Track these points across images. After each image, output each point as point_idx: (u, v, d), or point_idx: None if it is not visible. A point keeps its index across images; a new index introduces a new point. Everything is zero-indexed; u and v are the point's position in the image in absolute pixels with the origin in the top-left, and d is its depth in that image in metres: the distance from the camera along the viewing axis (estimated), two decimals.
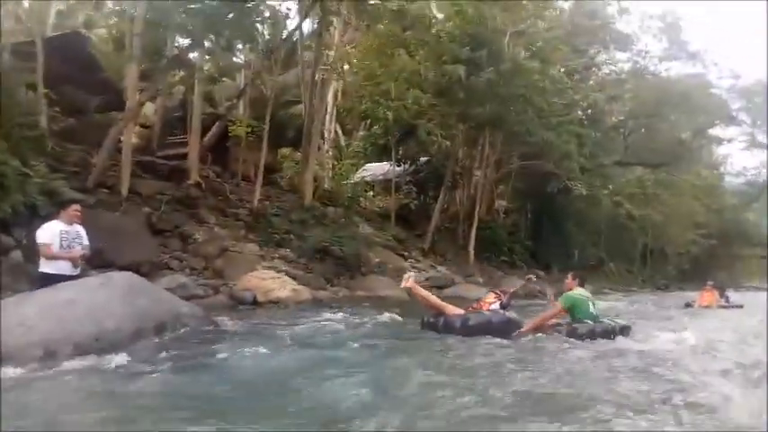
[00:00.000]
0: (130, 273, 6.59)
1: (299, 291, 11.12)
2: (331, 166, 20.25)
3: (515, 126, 20.18)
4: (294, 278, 12.02)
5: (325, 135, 20.30)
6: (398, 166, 21.70)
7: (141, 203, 12.28)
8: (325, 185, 18.58)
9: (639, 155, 31.18)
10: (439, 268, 18.41)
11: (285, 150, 19.20)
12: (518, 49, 19.90)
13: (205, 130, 15.38)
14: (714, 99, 31.85)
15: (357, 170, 21.07)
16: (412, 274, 7.39)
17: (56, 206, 6.50)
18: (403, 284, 7.12)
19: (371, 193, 22.13)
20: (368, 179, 22.22)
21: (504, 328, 6.56)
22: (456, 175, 22.08)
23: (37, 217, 7.21)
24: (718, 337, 7.08)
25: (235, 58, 19.97)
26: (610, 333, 6.52)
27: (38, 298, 5.38)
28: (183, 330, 6.46)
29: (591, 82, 27.75)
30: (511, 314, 7.02)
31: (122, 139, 12.46)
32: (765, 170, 39.26)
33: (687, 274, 37.31)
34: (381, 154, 22.02)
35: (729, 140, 36.30)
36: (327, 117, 20.20)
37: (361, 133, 21.88)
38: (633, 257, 33.74)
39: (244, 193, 15.42)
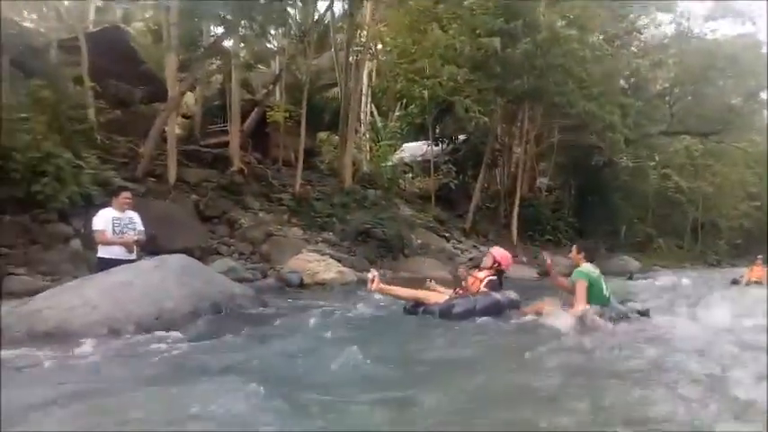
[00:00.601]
0: (183, 255, 6.71)
1: (344, 272, 11.15)
2: (368, 148, 20.16)
3: (555, 98, 19.61)
4: (338, 261, 12.11)
5: (362, 117, 20.20)
6: (436, 145, 21.46)
7: (188, 191, 12.51)
8: (364, 168, 18.53)
9: (687, 123, 29.85)
10: (481, 248, 18.18)
11: (323, 134, 19.22)
12: (554, 17, 19.26)
13: (244, 117, 15.52)
14: (765, 60, 30.14)
15: (395, 151, 20.92)
16: (375, 273, 6.26)
17: (109, 195, 6.68)
18: (369, 287, 6.24)
19: (410, 174, 21.96)
20: (406, 160, 22.06)
21: (493, 312, 5.70)
22: (495, 152, 21.69)
23: (92, 206, 7.39)
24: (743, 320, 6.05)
25: (269, 45, 20.08)
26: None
27: (97, 281, 5.55)
28: (237, 310, 6.64)
29: (633, 48, 26.68)
30: (505, 294, 5.97)
31: (166, 129, 12.69)
32: None
33: (740, 248, 35.84)
34: (418, 134, 21.81)
35: None
36: (363, 99, 20.08)
37: (397, 113, 21.66)
38: (683, 232, 32.57)
39: (285, 178, 15.54)
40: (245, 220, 12.46)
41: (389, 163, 19.74)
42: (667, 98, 30.03)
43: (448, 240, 17.73)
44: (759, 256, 13.88)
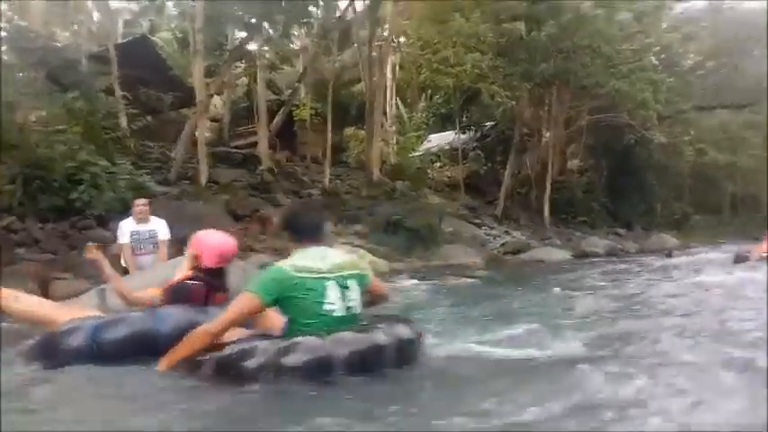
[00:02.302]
0: None
1: (377, 263, 11.26)
2: (395, 140, 20.23)
3: (584, 79, 19.27)
4: (371, 252, 12.24)
5: (387, 110, 20.27)
6: (463, 133, 21.35)
7: (219, 191, 12.82)
8: (392, 160, 18.61)
9: (721, 97, 28.87)
10: (513, 234, 18.08)
11: (349, 130, 19.36)
12: None
13: (271, 116, 15.80)
14: None
15: (421, 142, 20.93)
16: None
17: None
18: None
19: (438, 163, 21.94)
20: (433, 150, 22.04)
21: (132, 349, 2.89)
22: (524, 137, 21.44)
23: (128, 211, 7.67)
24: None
25: (292, 45, 20.34)
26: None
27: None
28: None
29: (663, 24, 25.93)
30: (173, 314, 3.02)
31: (196, 132, 13.02)
32: None
33: None
34: (445, 123, 21.75)
35: None
36: (387, 92, 20.14)
37: (422, 104, 21.66)
38: (722, 208, 31.58)
39: (314, 174, 15.77)
40: (276, 217, 12.68)
41: (416, 153, 19.77)
42: (700, 72, 29.13)
43: (479, 227, 17.67)
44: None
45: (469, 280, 10.49)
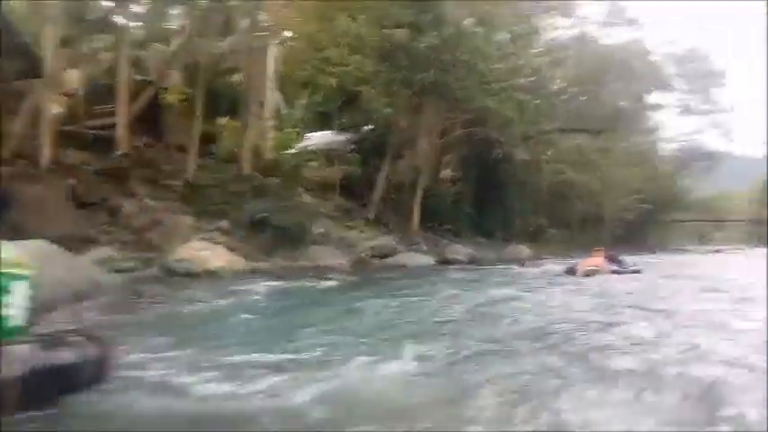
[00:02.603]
0: (42, 241, 6.32)
1: (236, 261, 10.95)
2: (272, 135, 19.73)
3: (458, 92, 20.21)
4: (232, 250, 11.82)
5: (265, 104, 19.72)
6: (342, 134, 21.39)
7: (65, 175, 11.64)
8: (266, 155, 18.13)
9: (581, 121, 31.95)
10: (383, 238, 18.47)
11: (223, 120, 18.52)
12: (462, 12, 19.79)
13: (135, 98, 14.65)
14: (651, 66, 32.89)
15: (299, 139, 20.62)
16: None
17: None
18: None
19: (315, 163, 21.77)
20: (310, 149, 21.80)
21: None
22: (401, 143, 22.01)
23: None
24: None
25: (168, 24, 19.05)
26: None
27: None
28: (103, 299, 6.46)
29: (536, 50, 28.01)
30: None
31: (43, 106, 11.73)
32: (697, 136, 41.07)
33: (622, 238, 38.91)
34: (324, 122, 21.63)
35: (665, 107, 37.68)
36: (267, 85, 19.59)
37: (302, 101, 21.37)
38: (572, 224, 34.87)
39: (178, 163, 14.87)
40: (129, 206, 11.81)
41: (293, 151, 19.44)
42: (564, 97, 31.93)
43: (350, 230, 17.82)
44: (596, 248, 13.04)
45: (329, 283, 10.55)
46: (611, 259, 11.94)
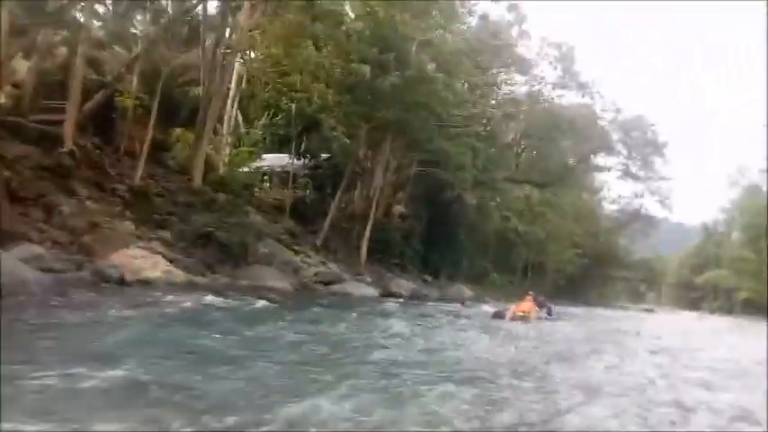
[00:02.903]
0: None
1: (173, 272, 10.62)
2: (228, 152, 19.55)
3: (416, 132, 20.72)
4: (171, 261, 11.47)
5: (225, 120, 19.59)
6: (298, 159, 21.44)
7: (1, 167, 11.08)
8: (220, 171, 17.90)
9: (529, 174, 33.24)
10: (330, 265, 18.37)
11: (178, 130, 18.25)
12: (425, 57, 20.50)
13: (88, 97, 14.24)
14: (598, 129, 34.69)
15: (254, 159, 20.52)
16: None
17: None
18: None
19: (268, 184, 21.66)
20: (265, 169, 21.73)
21: None
22: (356, 174, 22.22)
23: None
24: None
25: (133, 30, 18.82)
26: None
27: None
28: (24, 298, 6.17)
29: (492, 101, 29.19)
30: None
31: None
32: (636, 199, 43.28)
33: (563, 289, 40.21)
34: (282, 146, 21.65)
35: (609, 169, 39.60)
36: (228, 102, 19.52)
37: (262, 122, 21.36)
38: (515, 270, 35.79)
39: (126, 168, 14.45)
40: (67, 206, 11.33)
41: (246, 169, 19.30)
42: (515, 149, 33.25)
43: (297, 254, 17.63)
44: (530, 292, 13.48)
45: (263, 302, 10.22)
46: (540, 305, 12.30)
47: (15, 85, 14.63)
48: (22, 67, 14.78)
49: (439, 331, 8.46)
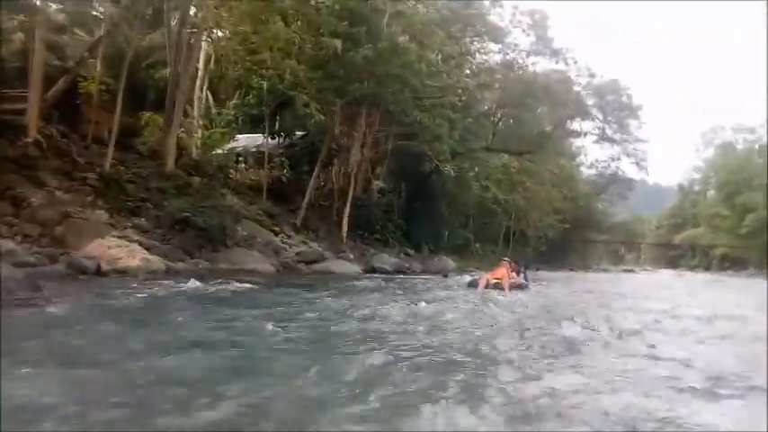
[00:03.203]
0: None
1: (151, 260, 10.45)
2: (200, 134, 19.17)
3: (391, 105, 20.50)
4: (148, 249, 11.28)
5: (195, 101, 19.16)
6: (273, 138, 21.11)
7: None
8: (193, 154, 17.57)
9: (506, 142, 33.26)
10: (311, 244, 18.28)
11: (147, 114, 17.83)
12: (396, 29, 20.17)
13: (50, 84, 13.79)
14: (573, 95, 34.73)
15: (228, 140, 20.15)
16: None
17: None
18: None
19: (243, 165, 21.33)
20: (239, 150, 21.38)
21: None
22: (332, 151, 21.96)
23: None
24: None
25: (94, 12, 18.19)
26: None
27: None
28: None
29: (466, 71, 28.95)
30: None
31: None
32: (613, 163, 43.70)
33: (544, 255, 40.74)
34: (255, 125, 21.27)
35: (585, 134, 39.83)
36: (198, 83, 19.07)
37: (234, 102, 20.91)
38: (497, 239, 36.08)
39: (95, 156, 14.09)
40: (36, 198, 11.03)
41: (220, 151, 18.96)
42: (492, 118, 33.16)
43: (276, 234, 17.50)
44: (504, 258, 12.80)
45: (243, 285, 10.06)
46: (516, 271, 12.05)
47: None
48: None
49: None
